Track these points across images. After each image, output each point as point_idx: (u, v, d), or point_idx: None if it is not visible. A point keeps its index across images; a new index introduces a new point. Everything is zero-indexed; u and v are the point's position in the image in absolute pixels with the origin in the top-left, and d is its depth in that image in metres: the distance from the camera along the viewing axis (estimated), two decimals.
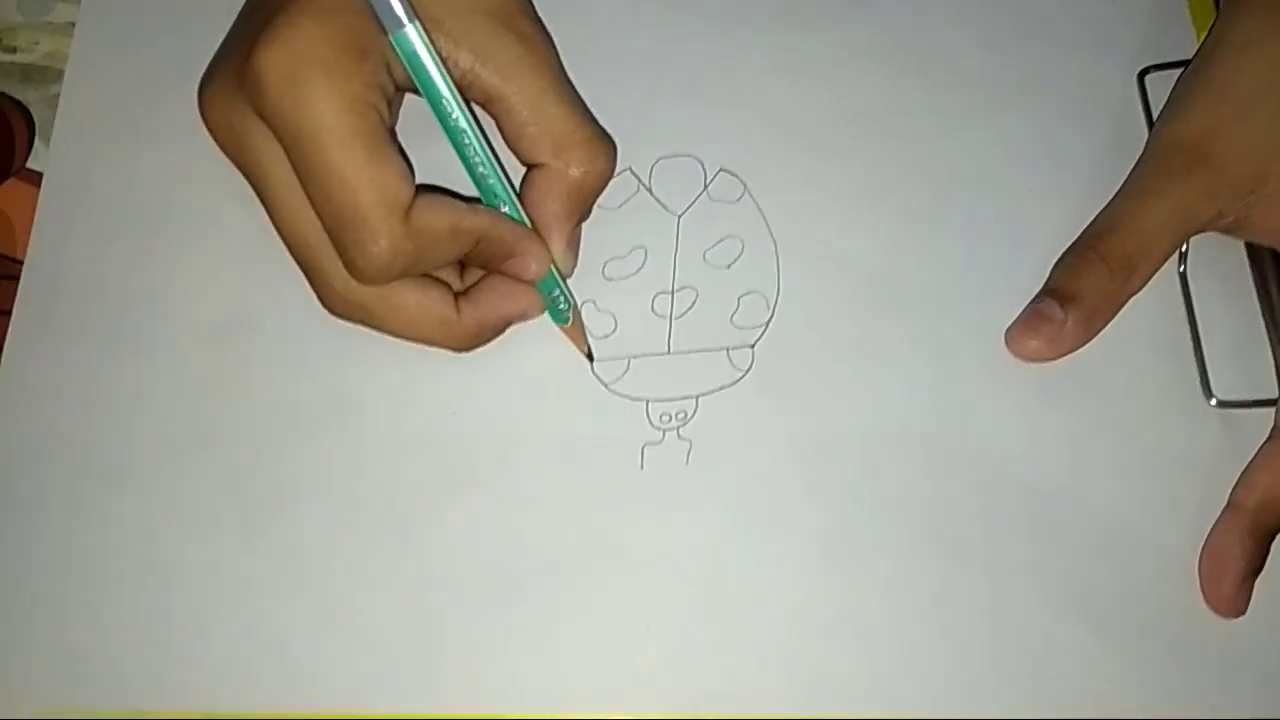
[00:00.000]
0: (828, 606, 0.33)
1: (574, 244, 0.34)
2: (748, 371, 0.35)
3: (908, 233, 0.36)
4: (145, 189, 0.37)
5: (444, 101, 0.31)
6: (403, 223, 0.30)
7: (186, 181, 0.37)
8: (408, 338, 0.33)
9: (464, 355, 0.34)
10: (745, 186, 0.37)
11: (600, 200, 0.35)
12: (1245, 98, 0.34)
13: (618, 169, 0.35)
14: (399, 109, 0.35)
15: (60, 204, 0.37)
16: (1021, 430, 0.34)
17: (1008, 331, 0.35)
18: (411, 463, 0.34)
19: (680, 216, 0.37)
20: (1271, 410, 0.34)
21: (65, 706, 0.32)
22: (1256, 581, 0.33)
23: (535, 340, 0.35)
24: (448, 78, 0.31)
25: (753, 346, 0.35)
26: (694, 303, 0.36)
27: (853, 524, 0.34)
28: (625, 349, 0.35)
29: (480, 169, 0.32)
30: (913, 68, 0.38)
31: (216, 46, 0.35)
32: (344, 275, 0.32)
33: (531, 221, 0.33)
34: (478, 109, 0.34)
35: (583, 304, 0.36)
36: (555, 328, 0.35)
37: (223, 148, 0.34)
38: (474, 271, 0.34)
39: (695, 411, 0.35)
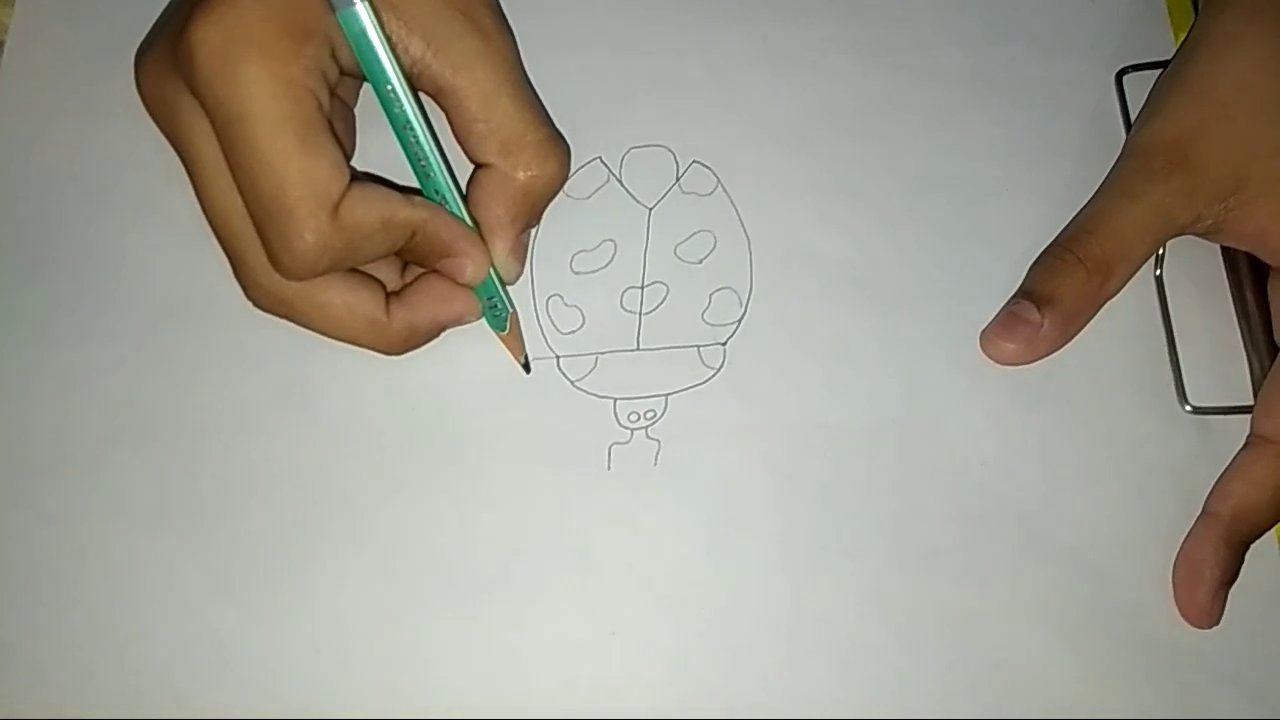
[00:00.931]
0: (798, 611, 0.32)
1: (519, 250, 0.33)
2: (719, 370, 0.34)
3: (883, 230, 0.36)
4: (89, 167, 0.36)
5: (389, 88, 0.30)
6: (331, 217, 0.29)
7: (132, 160, 0.35)
8: (334, 337, 0.32)
9: (425, 349, 0.33)
10: (718, 179, 0.36)
11: (569, 189, 0.35)
12: (1225, 99, 0.34)
13: (588, 157, 0.34)
14: (356, 94, 0.34)
15: None
16: (995, 434, 0.34)
17: (983, 333, 0.35)
18: (368, 460, 0.33)
19: (651, 209, 0.36)
20: (1247, 417, 0.34)
21: None
22: (1230, 591, 0.33)
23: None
24: (396, 64, 0.30)
25: (724, 344, 0.34)
26: (664, 298, 0.35)
27: (824, 527, 0.33)
28: (593, 345, 0.34)
29: (423, 162, 0.31)
30: (891, 64, 0.38)
31: None
32: (268, 267, 0.30)
33: (475, 223, 0.32)
34: (428, 101, 0.32)
35: (549, 298, 0.35)
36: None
37: (156, 121, 0.32)
38: (416, 269, 0.33)
39: (664, 411, 0.34)
